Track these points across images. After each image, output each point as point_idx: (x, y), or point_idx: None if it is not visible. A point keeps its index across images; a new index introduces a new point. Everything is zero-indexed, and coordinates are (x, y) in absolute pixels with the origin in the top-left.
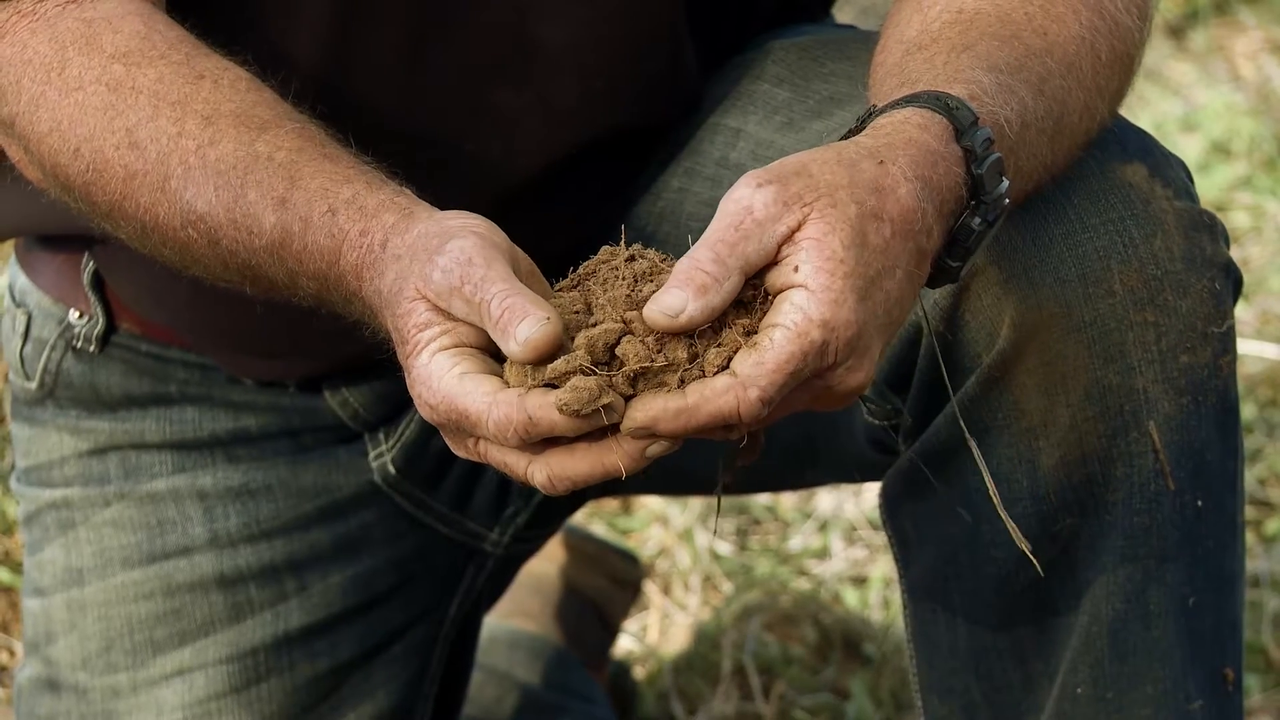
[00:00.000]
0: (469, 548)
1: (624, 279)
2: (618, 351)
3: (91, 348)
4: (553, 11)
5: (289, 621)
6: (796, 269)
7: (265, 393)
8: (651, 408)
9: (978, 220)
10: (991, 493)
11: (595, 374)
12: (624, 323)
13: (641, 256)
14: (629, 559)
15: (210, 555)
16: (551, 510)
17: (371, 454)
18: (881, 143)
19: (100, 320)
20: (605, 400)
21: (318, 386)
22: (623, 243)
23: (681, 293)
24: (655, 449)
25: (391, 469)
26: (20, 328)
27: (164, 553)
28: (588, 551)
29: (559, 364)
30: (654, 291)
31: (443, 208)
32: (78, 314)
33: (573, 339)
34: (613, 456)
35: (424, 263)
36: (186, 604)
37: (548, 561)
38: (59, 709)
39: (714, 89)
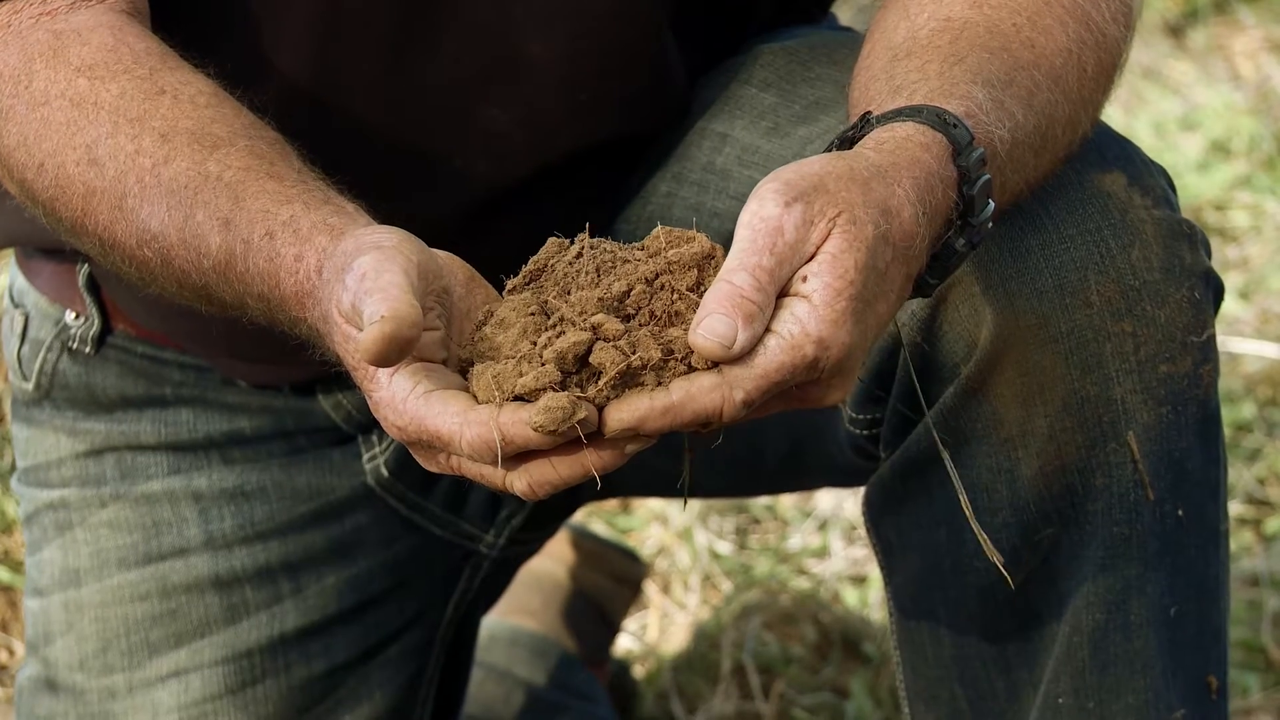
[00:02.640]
0: (464, 550)
1: (586, 274)
2: (593, 360)
3: (87, 349)
4: (536, 26)
5: (284, 623)
6: (805, 279)
7: (259, 395)
8: (637, 408)
9: (962, 241)
10: (964, 505)
11: (567, 388)
12: (592, 329)
13: (595, 248)
14: (630, 557)
15: (206, 556)
16: (547, 512)
17: (365, 456)
18: (888, 161)
19: (96, 322)
20: (579, 416)
21: (311, 389)
22: (586, 235)
23: (730, 320)
24: (634, 446)
25: (384, 471)
26: (18, 328)
27: (160, 554)
28: (589, 549)
29: (528, 380)
30: (623, 287)
31: (429, 218)
32: (74, 315)
33: (533, 343)
34: (592, 458)
35: (336, 284)
36: (182, 605)
37: (549, 559)
38: (57, 709)
39: (702, 93)
